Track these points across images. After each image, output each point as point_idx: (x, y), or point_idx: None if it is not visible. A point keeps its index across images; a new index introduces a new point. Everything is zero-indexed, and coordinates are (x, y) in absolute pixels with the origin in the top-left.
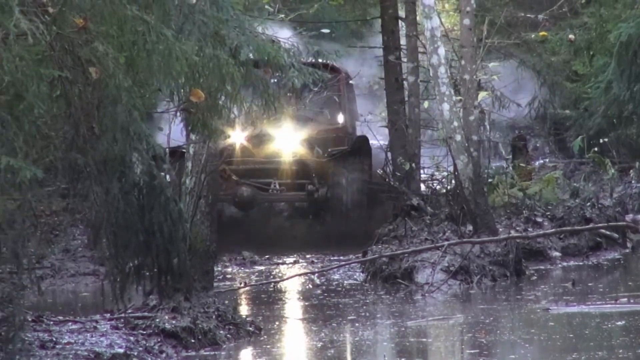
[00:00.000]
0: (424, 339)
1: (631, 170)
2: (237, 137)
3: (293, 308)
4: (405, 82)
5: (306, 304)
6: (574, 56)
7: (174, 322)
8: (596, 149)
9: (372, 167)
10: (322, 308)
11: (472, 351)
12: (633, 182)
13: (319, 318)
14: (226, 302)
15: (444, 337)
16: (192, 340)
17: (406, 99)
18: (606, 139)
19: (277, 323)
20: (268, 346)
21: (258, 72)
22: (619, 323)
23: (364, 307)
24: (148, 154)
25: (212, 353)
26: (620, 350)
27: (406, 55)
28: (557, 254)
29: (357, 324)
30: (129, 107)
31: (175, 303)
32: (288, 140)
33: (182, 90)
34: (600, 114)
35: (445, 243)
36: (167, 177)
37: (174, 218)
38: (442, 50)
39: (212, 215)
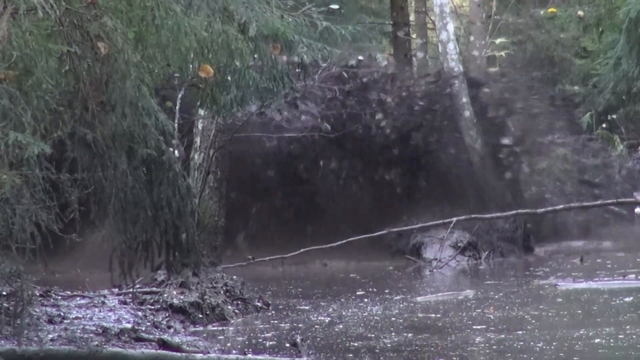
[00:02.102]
0: (433, 315)
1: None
2: None
3: (301, 284)
4: (414, 58)
5: (314, 279)
6: (583, 33)
7: (181, 297)
8: (605, 125)
9: None
10: (330, 284)
11: (480, 327)
12: None
13: (327, 294)
14: (234, 277)
15: (452, 312)
16: (200, 315)
17: (414, 74)
18: (615, 116)
19: (285, 299)
20: (276, 321)
21: (267, 48)
22: (627, 299)
23: (372, 282)
24: (157, 129)
25: (220, 328)
26: (628, 327)
27: (415, 32)
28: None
29: (365, 300)
30: (138, 83)
31: (183, 278)
32: None
33: (190, 66)
34: (609, 91)
35: (454, 219)
36: (176, 152)
37: (182, 193)
38: (451, 27)
39: (221, 191)
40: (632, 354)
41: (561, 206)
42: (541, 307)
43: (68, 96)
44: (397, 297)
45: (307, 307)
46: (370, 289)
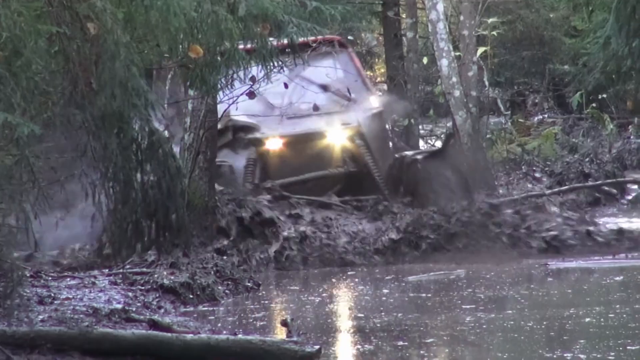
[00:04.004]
0: (423, 294)
1: (630, 126)
2: (273, 142)
3: (292, 264)
4: (404, 38)
5: (306, 260)
6: (572, 12)
7: (172, 277)
8: (595, 104)
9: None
10: (322, 264)
11: (470, 306)
12: (632, 137)
13: (318, 274)
14: (225, 257)
15: (443, 292)
16: (191, 296)
17: (405, 54)
18: (605, 95)
19: (275, 279)
20: (266, 302)
21: (256, 28)
22: (617, 278)
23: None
24: (146, 110)
25: (211, 308)
26: (618, 306)
27: (405, 11)
28: (556, 209)
29: (356, 279)
30: (127, 63)
31: (173, 259)
32: (335, 137)
33: (180, 46)
34: (599, 70)
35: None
36: (166, 132)
37: (173, 174)
38: (440, 6)
39: (211, 171)
40: (622, 332)
41: (567, 187)
42: (532, 286)
43: (58, 77)
44: (389, 277)
45: (297, 287)
46: (361, 269)
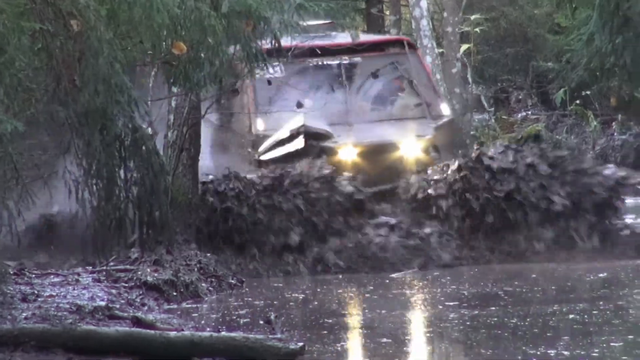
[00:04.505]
0: (407, 291)
1: (613, 123)
2: (346, 151)
3: (276, 262)
4: (388, 35)
5: (290, 258)
6: (556, 8)
7: (155, 274)
8: (578, 101)
9: None
10: (306, 261)
11: (454, 303)
12: (615, 134)
13: (303, 271)
14: (208, 254)
15: (427, 288)
16: (174, 293)
17: None
18: (588, 92)
19: (259, 276)
20: (250, 299)
21: (240, 24)
22: (601, 275)
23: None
24: (130, 107)
25: (194, 305)
26: (601, 302)
27: (388, 8)
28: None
29: (340, 276)
30: (111, 60)
31: (157, 256)
32: (409, 149)
33: (163, 43)
34: (583, 67)
35: None
36: (149, 129)
37: (156, 171)
38: (424, 3)
39: (194, 168)
40: (606, 329)
41: None
42: (515, 283)
43: (41, 74)
44: (371, 274)
45: (281, 285)
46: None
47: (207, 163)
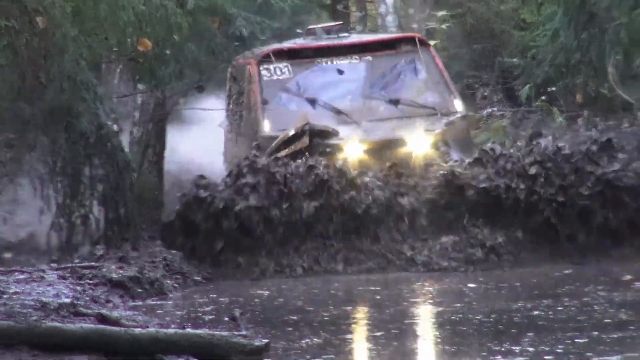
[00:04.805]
0: (372, 288)
1: (579, 119)
2: (352, 148)
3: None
4: (353, 31)
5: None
6: (522, 4)
7: (121, 271)
8: (544, 97)
9: None
10: (273, 258)
11: (419, 299)
12: (581, 130)
13: (270, 268)
14: (174, 251)
15: (392, 286)
16: (139, 290)
17: None
18: (554, 88)
19: (225, 273)
20: (215, 295)
21: (205, 22)
22: (566, 272)
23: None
24: (95, 104)
25: (159, 302)
26: (566, 299)
27: (354, 5)
28: None
29: (308, 273)
30: (76, 57)
31: (122, 253)
32: (418, 145)
33: (129, 40)
34: (548, 63)
35: None
36: (115, 126)
37: (121, 167)
38: None
39: (160, 165)
40: (571, 325)
41: None
42: (480, 279)
43: (6, 71)
44: (339, 270)
45: (246, 282)
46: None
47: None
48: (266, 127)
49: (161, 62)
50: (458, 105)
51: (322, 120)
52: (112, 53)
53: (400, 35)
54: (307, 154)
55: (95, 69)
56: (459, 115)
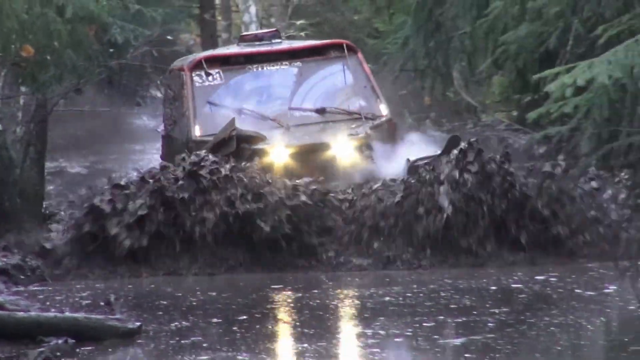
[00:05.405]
0: (236, 275)
1: (427, 120)
2: (277, 153)
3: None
4: (219, 39)
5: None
6: (375, 14)
7: (5, 259)
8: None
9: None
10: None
11: (279, 286)
12: (428, 131)
13: (161, 253)
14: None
15: (259, 273)
16: (22, 277)
17: None
18: (404, 91)
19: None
20: (91, 282)
21: (83, 29)
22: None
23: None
24: None
25: (40, 288)
26: (415, 286)
27: (220, 14)
28: None
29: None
30: None
31: (6, 242)
32: (341, 149)
33: (13, 46)
34: (398, 68)
35: None
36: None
37: (5, 164)
38: (253, 9)
39: (41, 162)
40: (419, 310)
41: None
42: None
43: None
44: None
45: (122, 270)
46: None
47: None
48: (197, 131)
49: (42, 66)
50: (384, 109)
51: (252, 125)
52: None
53: (329, 41)
54: (233, 159)
55: None
56: (384, 119)
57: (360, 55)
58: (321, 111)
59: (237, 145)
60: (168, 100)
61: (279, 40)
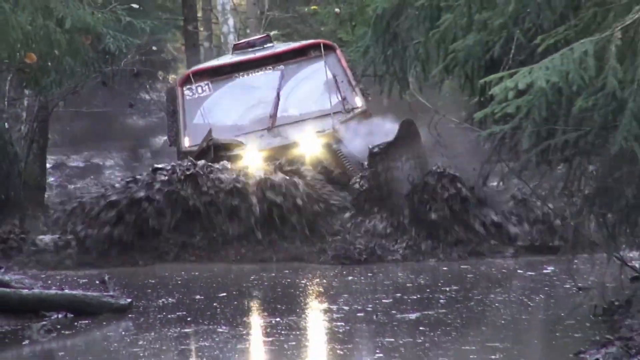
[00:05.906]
0: (216, 264)
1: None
2: (251, 157)
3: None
4: (201, 47)
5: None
6: (339, 26)
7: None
8: None
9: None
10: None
11: (253, 266)
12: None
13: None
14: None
15: (238, 259)
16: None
17: (202, 61)
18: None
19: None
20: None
21: (80, 39)
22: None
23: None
24: None
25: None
26: (375, 267)
27: (202, 25)
28: None
29: (165, 249)
30: None
31: (10, 228)
32: (309, 146)
33: (18, 54)
34: (359, 74)
35: None
36: (6, 124)
37: (11, 159)
38: (231, 21)
39: (43, 157)
40: (378, 288)
41: None
42: (305, 249)
43: None
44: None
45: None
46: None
47: None
48: (186, 142)
49: (44, 72)
50: (359, 101)
51: (239, 130)
52: (3, 64)
53: (308, 42)
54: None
55: None
56: (358, 111)
57: (338, 52)
58: (296, 119)
59: (215, 153)
60: (169, 114)
61: (271, 45)
